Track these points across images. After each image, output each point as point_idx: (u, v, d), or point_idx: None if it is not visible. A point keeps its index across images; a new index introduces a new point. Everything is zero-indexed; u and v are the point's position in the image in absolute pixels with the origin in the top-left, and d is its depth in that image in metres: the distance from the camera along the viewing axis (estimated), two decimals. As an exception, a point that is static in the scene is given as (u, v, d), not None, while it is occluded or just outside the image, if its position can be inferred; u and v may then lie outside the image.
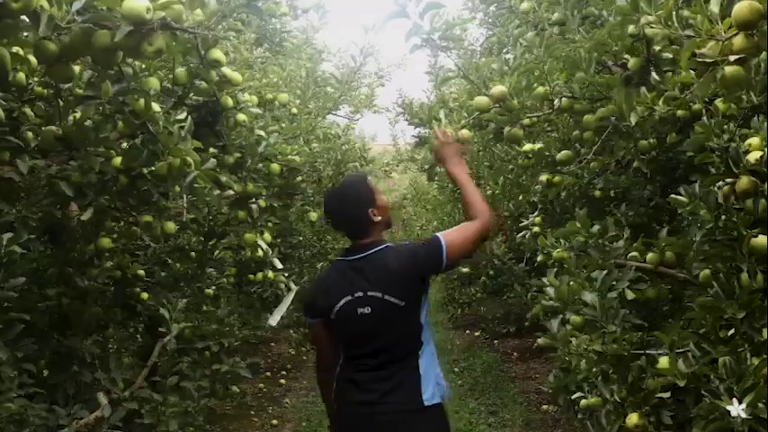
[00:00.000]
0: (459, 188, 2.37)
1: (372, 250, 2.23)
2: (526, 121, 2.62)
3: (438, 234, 2.24)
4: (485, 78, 2.43)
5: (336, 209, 2.29)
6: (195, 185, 2.47)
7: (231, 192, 3.11)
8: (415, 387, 2.20)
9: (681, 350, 1.95)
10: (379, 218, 2.25)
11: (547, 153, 3.29)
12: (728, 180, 2.05)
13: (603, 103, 2.42)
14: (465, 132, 2.45)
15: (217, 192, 3.10)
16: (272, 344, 7.90)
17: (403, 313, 2.19)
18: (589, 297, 2.15)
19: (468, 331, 8.61)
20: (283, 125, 3.83)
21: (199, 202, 3.10)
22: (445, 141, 2.38)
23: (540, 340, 2.42)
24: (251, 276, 4.44)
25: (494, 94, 2.38)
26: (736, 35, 1.54)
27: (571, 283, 2.24)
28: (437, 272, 2.26)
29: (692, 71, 1.96)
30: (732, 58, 1.55)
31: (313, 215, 5.08)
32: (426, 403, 2.20)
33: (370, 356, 2.24)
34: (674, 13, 1.71)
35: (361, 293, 2.19)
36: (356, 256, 2.25)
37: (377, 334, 2.21)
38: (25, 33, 1.87)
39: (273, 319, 3.96)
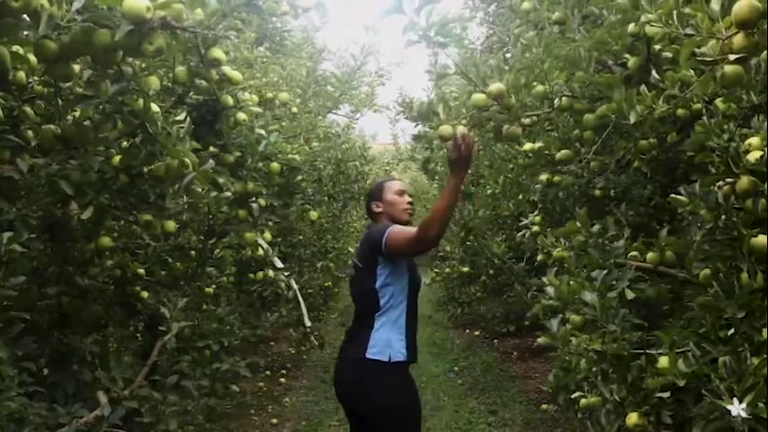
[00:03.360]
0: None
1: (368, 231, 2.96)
2: (526, 121, 2.61)
3: (393, 226, 2.81)
4: (483, 75, 2.41)
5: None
6: (192, 186, 2.47)
7: (228, 194, 3.11)
8: (364, 341, 2.69)
9: (681, 350, 1.95)
10: (380, 209, 2.96)
11: (547, 152, 3.29)
12: (728, 180, 2.04)
13: (603, 102, 2.42)
14: (462, 128, 2.46)
15: (214, 194, 3.09)
16: (272, 343, 7.90)
17: (363, 274, 2.83)
18: (589, 296, 2.14)
19: (467, 330, 8.62)
20: (284, 124, 3.82)
21: (197, 203, 3.09)
22: (463, 152, 2.54)
23: (539, 340, 2.41)
24: (251, 275, 4.43)
25: (491, 91, 2.36)
26: (736, 34, 1.54)
27: (571, 282, 2.23)
28: (379, 251, 2.75)
29: (692, 70, 1.95)
30: (732, 57, 1.54)
31: (313, 214, 5.07)
32: (368, 356, 2.66)
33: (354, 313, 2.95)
34: (674, 11, 1.70)
35: (355, 259, 2.95)
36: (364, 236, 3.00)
37: (353, 291, 2.96)
38: (25, 32, 1.87)
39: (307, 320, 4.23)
